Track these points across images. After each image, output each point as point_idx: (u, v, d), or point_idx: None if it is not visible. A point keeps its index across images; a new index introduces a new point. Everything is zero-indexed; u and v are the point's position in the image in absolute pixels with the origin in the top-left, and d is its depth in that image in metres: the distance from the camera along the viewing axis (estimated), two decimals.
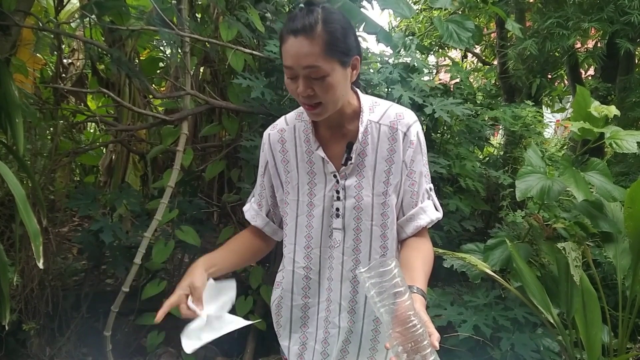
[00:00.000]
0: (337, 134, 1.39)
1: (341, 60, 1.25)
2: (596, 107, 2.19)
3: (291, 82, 1.27)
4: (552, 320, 2.13)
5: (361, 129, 1.36)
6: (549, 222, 2.35)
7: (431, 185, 1.46)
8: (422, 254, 1.38)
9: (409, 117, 1.39)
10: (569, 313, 2.15)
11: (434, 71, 3.38)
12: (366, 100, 1.41)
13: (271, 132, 1.47)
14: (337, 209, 1.39)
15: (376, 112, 1.40)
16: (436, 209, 1.44)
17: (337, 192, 1.39)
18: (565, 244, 2.12)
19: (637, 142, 2.17)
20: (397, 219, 1.42)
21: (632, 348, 2.44)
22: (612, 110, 2.16)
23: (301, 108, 1.40)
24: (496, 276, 2.16)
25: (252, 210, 1.54)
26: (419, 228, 1.41)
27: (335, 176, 1.38)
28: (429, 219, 1.41)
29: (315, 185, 1.41)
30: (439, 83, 2.92)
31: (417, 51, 3.01)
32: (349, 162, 1.36)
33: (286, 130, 1.44)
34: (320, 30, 1.20)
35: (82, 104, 4.20)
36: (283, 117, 1.48)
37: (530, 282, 2.14)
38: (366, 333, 1.47)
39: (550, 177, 2.25)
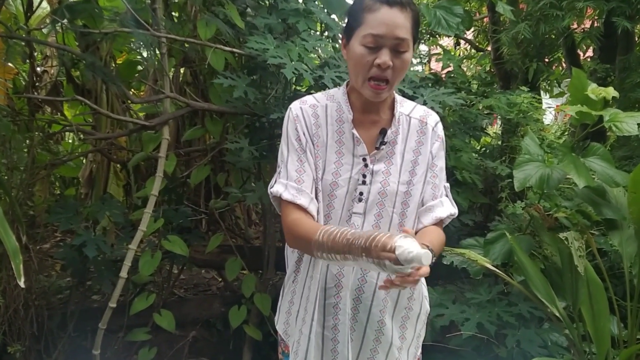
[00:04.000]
0: (369, 120, 1.49)
1: (414, 42, 1.41)
2: (593, 90, 2.21)
3: (368, 53, 1.36)
4: (557, 314, 2.15)
5: (395, 118, 1.48)
6: (550, 212, 2.37)
7: (447, 184, 1.57)
8: (430, 233, 1.46)
9: (436, 115, 1.57)
10: (575, 305, 2.16)
11: (425, 61, 3.38)
12: (396, 94, 1.55)
13: (302, 106, 1.51)
14: (361, 193, 1.46)
15: (405, 106, 1.54)
16: (452, 206, 1.55)
17: (364, 175, 1.46)
18: (567, 233, 2.13)
19: (638, 124, 2.19)
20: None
21: None
22: (610, 92, 2.18)
23: (330, 91, 1.55)
24: (498, 271, 2.17)
25: (292, 189, 1.43)
26: (437, 220, 1.50)
27: (364, 159, 1.47)
28: (447, 212, 1.51)
29: (342, 166, 1.47)
30: (430, 73, 2.94)
31: None
32: (382, 146, 1.45)
33: (318, 107, 1.51)
34: (410, 10, 1.36)
35: (59, 113, 4.20)
36: (311, 96, 1.55)
37: (533, 275, 2.16)
38: (371, 323, 1.52)
39: (549, 165, 2.26)
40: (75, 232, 2.91)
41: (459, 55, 5.55)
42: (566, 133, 4.65)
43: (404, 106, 1.54)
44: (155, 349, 2.88)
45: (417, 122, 1.52)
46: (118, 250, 2.98)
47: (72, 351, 2.94)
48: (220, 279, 3.66)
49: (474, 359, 2.46)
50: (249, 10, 3.13)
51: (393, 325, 1.56)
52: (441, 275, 2.88)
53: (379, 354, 1.56)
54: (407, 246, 1.15)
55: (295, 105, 1.51)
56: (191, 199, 3.53)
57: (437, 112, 2.52)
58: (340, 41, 1.52)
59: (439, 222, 1.52)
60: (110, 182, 3.70)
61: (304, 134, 1.47)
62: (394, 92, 1.54)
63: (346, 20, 1.46)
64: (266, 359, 3.07)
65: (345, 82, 1.55)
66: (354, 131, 1.46)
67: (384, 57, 1.34)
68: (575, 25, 4.11)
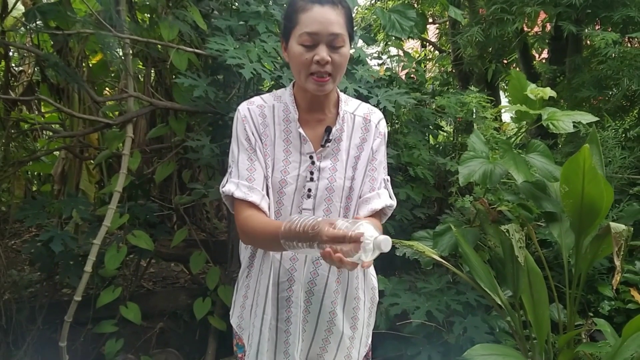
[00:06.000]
0: (315, 119, 1.48)
1: (350, 37, 1.42)
2: (532, 90, 2.22)
3: (306, 51, 1.36)
4: (500, 303, 2.17)
5: (340, 116, 1.48)
6: (494, 206, 2.39)
7: (388, 177, 1.56)
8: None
9: (379, 112, 1.57)
10: (516, 294, 2.19)
11: (380, 61, 3.39)
12: (341, 93, 1.55)
13: (250, 107, 1.50)
14: (309, 190, 1.46)
15: (350, 104, 1.54)
16: (390, 198, 1.54)
17: (312, 172, 1.46)
18: (508, 226, 2.15)
19: (574, 122, 2.22)
20: None
21: (583, 324, 2.49)
22: (547, 92, 2.19)
23: (277, 92, 1.54)
24: (444, 262, 2.19)
25: (243, 187, 1.43)
26: (373, 211, 1.49)
27: (311, 157, 1.46)
28: (383, 204, 1.50)
29: (290, 164, 1.46)
30: (385, 74, 2.95)
31: (364, 43, 3.04)
32: (327, 144, 1.45)
33: (265, 107, 1.50)
34: (341, 7, 1.37)
35: (37, 111, 4.13)
36: (258, 97, 1.53)
37: (476, 265, 2.17)
38: (323, 314, 1.52)
39: (492, 161, 2.28)
40: (45, 227, 2.87)
41: (424, 56, 5.57)
42: (522, 130, 4.70)
43: (348, 104, 1.54)
44: (122, 341, 2.85)
45: (361, 119, 1.52)
46: (86, 246, 2.94)
47: (41, 344, 2.90)
48: (188, 272, 3.63)
49: (424, 345, 2.47)
50: (216, 12, 3.10)
51: (344, 316, 1.57)
52: (397, 266, 2.90)
53: (330, 344, 1.57)
54: (370, 233, 1.14)
55: (243, 107, 1.50)
56: (162, 195, 3.49)
57: (390, 111, 2.55)
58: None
59: (376, 214, 1.50)
60: (82, 178, 3.63)
61: (252, 133, 1.46)
62: (339, 91, 1.54)
63: (283, 24, 1.45)
64: (230, 349, 3.04)
65: (291, 83, 1.54)
66: (301, 130, 1.46)
67: (322, 53, 1.35)
68: (528, 29, 4.16)
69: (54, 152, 3.71)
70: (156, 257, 3.22)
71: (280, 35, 1.52)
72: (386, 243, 1.13)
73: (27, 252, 2.98)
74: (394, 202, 1.55)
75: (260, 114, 1.48)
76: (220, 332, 2.97)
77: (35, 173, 4.71)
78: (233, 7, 3.00)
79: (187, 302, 3.09)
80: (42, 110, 4.35)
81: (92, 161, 3.63)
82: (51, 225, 2.86)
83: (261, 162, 1.45)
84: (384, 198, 1.51)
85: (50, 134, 3.19)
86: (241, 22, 2.75)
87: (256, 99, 1.52)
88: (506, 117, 5.56)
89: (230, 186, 1.45)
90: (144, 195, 3.13)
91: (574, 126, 2.26)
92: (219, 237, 3.56)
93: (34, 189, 4.68)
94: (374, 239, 1.13)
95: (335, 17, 1.35)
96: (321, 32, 1.34)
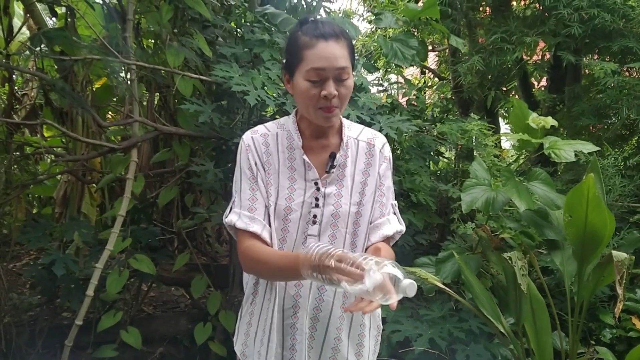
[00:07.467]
0: (319, 146, 1.49)
1: (353, 67, 1.43)
2: (534, 119, 2.26)
3: (313, 87, 1.37)
4: (502, 330, 2.17)
5: (343, 142, 1.49)
6: (496, 233, 2.40)
7: (395, 202, 1.57)
8: (380, 250, 1.43)
9: (382, 137, 1.57)
10: (519, 321, 2.19)
11: (382, 88, 3.44)
12: (343, 119, 1.55)
13: (254, 136, 1.51)
14: (315, 216, 1.46)
15: (353, 130, 1.55)
16: (399, 222, 1.55)
17: (317, 199, 1.46)
18: (511, 253, 2.16)
19: (575, 151, 2.25)
20: None
21: (585, 352, 2.49)
22: (549, 122, 2.23)
23: (280, 120, 1.55)
24: (446, 289, 2.19)
25: (245, 218, 1.44)
26: (384, 237, 1.50)
27: (316, 183, 1.47)
28: (394, 229, 1.51)
29: (295, 191, 1.47)
30: (387, 101, 2.99)
31: (365, 70, 3.09)
32: (332, 170, 1.46)
33: (269, 136, 1.51)
34: (344, 39, 1.39)
35: (38, 135, 4.16)
36: (262, 125, 1.54)
37: (479, 293, 2.18)
38: (328, 341, 1.51)
39: (495, 188, 2.30)
40: (46, 250, 2.87)
41: (423, 83, 5.64)
42: (522, 158, 4.74)
43: (351, 130, 1.55)
44: None
45: (365, 144, 1.53)
46: (88, 269, 2.94)
47: None
48: (188, 297, 3.62)
49: None
50: (220, 39, 3.16)
51: (349, 343, 1.56)
52: None
53: None
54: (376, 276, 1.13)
55: (247, 136, 1.52)
56: (164, 218, 3.50)
57: (392, 138, 2.59)
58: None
59: (387, 239, 1.51)
60: (84, 202, 3.65)
61: (255, 163, 1.48)
62: (342, 117, 1.56)
63: (285, 58, 1.47)
64: None
65: (294, 111, 1.56)
66: (305, 157, 1.47)
67: (330, 88, 1.36)
68: (527, 57, 4.22)
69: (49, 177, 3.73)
70: (157, 281, 3.22)
71: (282, 67, 1.54)
72: (412, 288, 1.13)
73: (28, 276, 2.98)
74: (403, 227, 1.55)
75: (263, 143, 1.50)
76: (220, 358, 2.95)
77: (36, 195, 4.72)
78: (238, 35, 3.06)
79: (188, 327, 3.08)
80: (45, 134, 4.39)
81: (94, 185, 3.65)
82: (53, 249, 2.86)
83: (262, 192, 1.46)
84: (394, 223, 1.52)
85: (53, 157, 3.20)
86: (246, 50, 2.80)
87: (260, 128, 1.54)
88: (506, 143, 5.63)
89: (233, 216, 1.46)
90: (147, 219, 3.14)
91: (574, 154, 2.29)
92: (220, 261, 3.56)
93: (35, 211, 4.69)
94: (400, 282, 1.13)
95: (340, 51, 1.36)
96: (328, 67, 1.35)
